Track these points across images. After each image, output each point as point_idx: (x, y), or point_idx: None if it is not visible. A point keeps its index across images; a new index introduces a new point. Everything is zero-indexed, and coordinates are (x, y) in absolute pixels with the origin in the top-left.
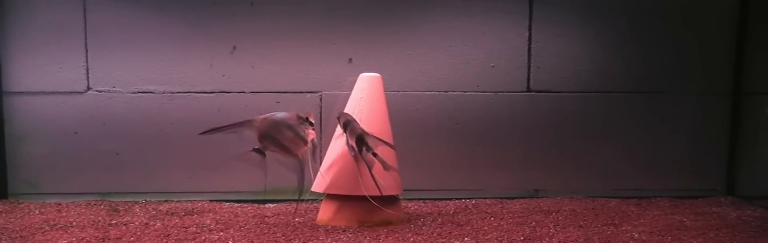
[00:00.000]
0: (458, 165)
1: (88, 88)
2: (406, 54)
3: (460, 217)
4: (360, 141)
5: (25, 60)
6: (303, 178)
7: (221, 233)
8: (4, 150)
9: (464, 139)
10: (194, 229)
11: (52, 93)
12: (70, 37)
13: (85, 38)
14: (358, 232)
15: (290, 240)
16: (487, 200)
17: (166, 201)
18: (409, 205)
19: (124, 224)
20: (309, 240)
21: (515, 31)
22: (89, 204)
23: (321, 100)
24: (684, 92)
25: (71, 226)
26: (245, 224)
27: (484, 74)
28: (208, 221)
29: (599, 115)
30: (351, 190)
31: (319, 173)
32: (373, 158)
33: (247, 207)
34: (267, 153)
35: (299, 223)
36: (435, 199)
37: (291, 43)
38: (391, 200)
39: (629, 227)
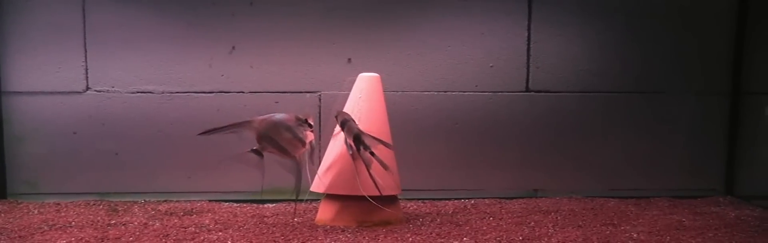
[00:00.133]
0: (457, 165)
1: (87, 88)
2: (405, 54)
3: (459, 217)
4: (357, 140)
5: (24, 60)
6: (300, 180)
7: (220, 233)
8: (3, 150)
9: (463, 139)
10: (193, 229)
11: (51, 93)
12: (69, 37)
13: (84, 38)
14: (356, 232)
15: (289, 240)
16: (486, 200)
17: (165, 201)
18: (408, 205)
19: (123, 224)
20: (308, 240)
21: (514, 31)
22: (88, 204)
23: (320, 100)
24: (683, 92)
25: (70, 226)
26: (244, 224)
27: (483, 74)
28: (207, 221)
29: (598, 115)
30: (350, 190)
31: (316, 176)
32: (371, 157)
33: (246, 207)
34: (265, 154)
35: (298, 223)
36: (434, 199)
37: (290, 43)
38: (390, 200)
39: (628, 227)
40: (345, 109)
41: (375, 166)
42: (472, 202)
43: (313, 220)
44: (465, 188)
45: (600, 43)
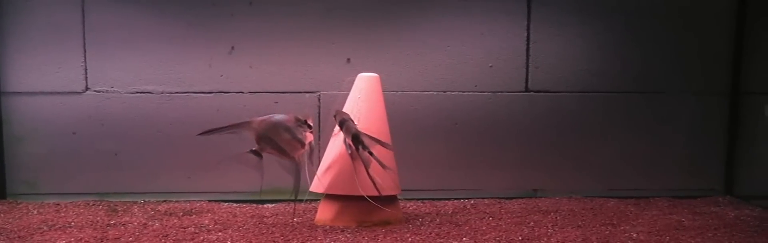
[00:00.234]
0: (456, 165)
1: (87, 89)
2: (405, 54)
3: (458, 217)
4: (355, 139)
5: (23, 60)
6: (299, 181)
7: (220, 233)
8: (2, 150)
9: (462, 139)
10: (193, 230)
11: (51, 93)
12: (69, 37)
13: (84, 38)
14: (356, 232)
15: (288, 240)
16: (485, 200)
17: (165, 201)
18: (408, 205)
19: (123, 224)
20: (307, 240)
21: (513, 31)
22: (88, 204)
23: (319, 100)
24: (682, 92)
25: (70, 227)
26: (244, 224)
27: (482, 74)
28: (207, 221)
29: (598, 114)
30: (349, 190)
31: (315, 177)
32: (370, 157)
33: (246, 207)
34: (264, 154)
35: (298, 223)
36: (433, 199)
37: (289, 43)
38: (389, 200)
39: (627, 227)
40: (344, 110)
41: (374, 165)
42: (472, 202)
43: (313, 220)
44: (464, 188)
45: (599, 43)
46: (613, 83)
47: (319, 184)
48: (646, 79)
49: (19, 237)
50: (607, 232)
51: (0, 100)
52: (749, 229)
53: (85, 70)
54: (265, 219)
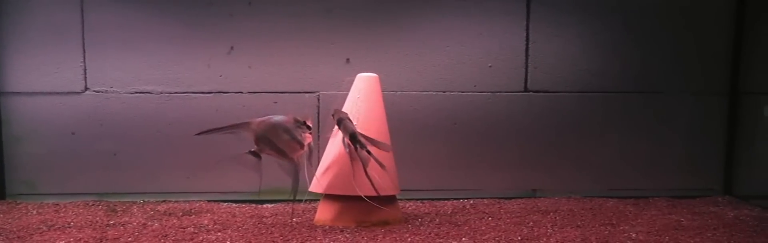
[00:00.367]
0: (456, 165)
1: (86, 89)
2: (404, 54)
3: (457, 217)
4: (352, 138)
5: (22, 60)
6: (297, 182)
7: (219, 233)
8: (1, 150)
9: (462, 139)
10: (192, 230)
11: (50, 93)
12: (68, 38)
13: (83, 38)
14: (355, 232)
15: (288, 240)
16: (484, 200)
17: (164, 201)
18: (407, 205)
19: (122, 224)
20: (307, 240)
21: (513, 32)
22: (87, 204)
23: (318, 100)
24: (681, 92)
25: (69, 227)
26: (243, 224)
27: (481, 74)
28: (206, 221)
29: (597, 114)
30: (348, 190)
31: (315, 178)
32: (368, 156)
33: (245, 207)
34: (263, 155)
35: (297, 223)
36: (433, 199)
37: (288, 44)
38: (388, 200)
39: (627, 227)
40: (343, 110)
41: (372, 165)
42: (471, 202)
43: (312, 220)
44: (464, 188)
45: (598, 43)
46: (613, 83)
47: (318, 184)
48: (646, 79)
49: (18, 237)
50: (607, 232)
51: None
52: (748, 229)
53: (85, 70)
54: (264, 219)
